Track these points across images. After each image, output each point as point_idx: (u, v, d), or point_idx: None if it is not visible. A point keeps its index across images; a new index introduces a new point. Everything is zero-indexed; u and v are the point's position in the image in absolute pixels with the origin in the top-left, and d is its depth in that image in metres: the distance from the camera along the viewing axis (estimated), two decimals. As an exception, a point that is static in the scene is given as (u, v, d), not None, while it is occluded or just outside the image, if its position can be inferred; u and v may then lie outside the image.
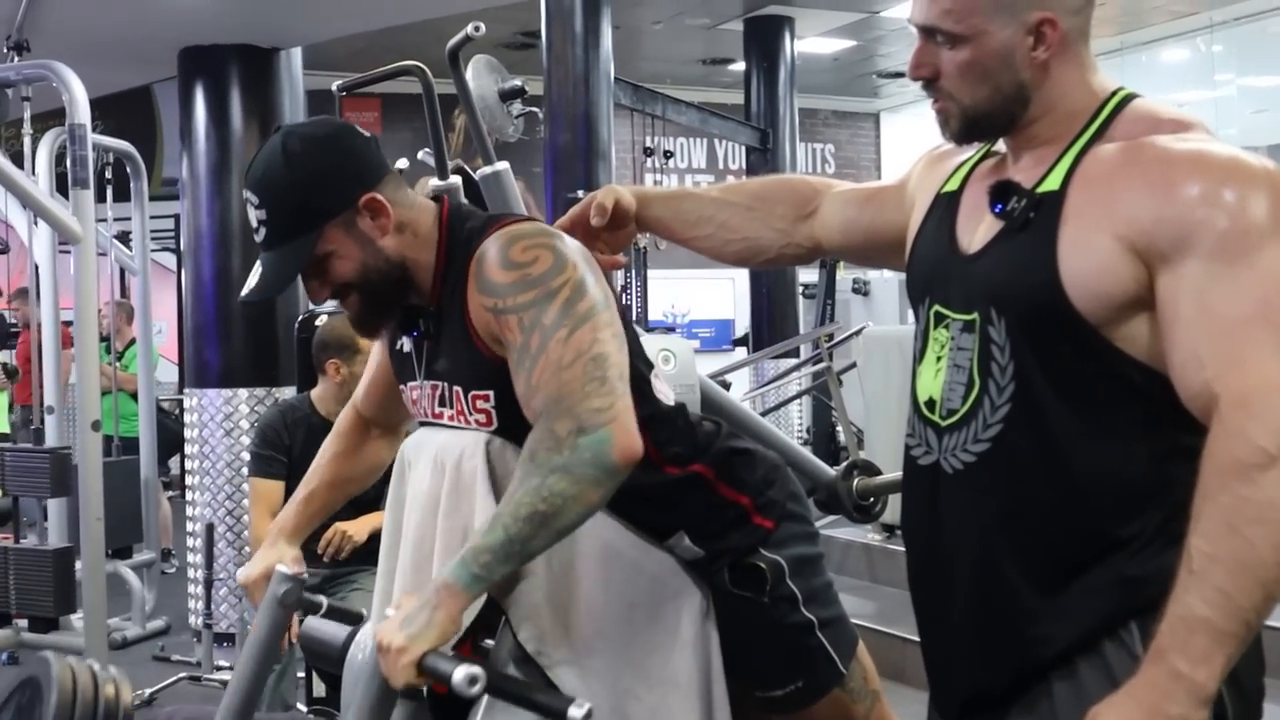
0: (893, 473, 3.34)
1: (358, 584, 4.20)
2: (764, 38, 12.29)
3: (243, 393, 5.93)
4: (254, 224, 1.96)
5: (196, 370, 6.06)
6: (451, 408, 2.01)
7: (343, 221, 1.94)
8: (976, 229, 1.70)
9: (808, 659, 2.10)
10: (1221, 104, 12.24)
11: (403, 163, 4.73)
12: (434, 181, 3.41)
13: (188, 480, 6.15)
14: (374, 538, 3.87)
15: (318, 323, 4.78)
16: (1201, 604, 1.42)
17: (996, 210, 1.65)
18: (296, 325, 5.19)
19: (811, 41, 13.09)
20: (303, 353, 5.53)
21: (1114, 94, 1.66)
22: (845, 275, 12.88)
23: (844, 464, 3.37)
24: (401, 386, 2.16)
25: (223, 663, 5.42)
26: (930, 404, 1.72)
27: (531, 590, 1.93)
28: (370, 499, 3.93)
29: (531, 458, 1.76)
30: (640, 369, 2.03)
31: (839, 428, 9.93)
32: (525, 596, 1.93)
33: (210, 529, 5.50)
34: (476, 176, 3.18)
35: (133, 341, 7.74)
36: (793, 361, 8.94)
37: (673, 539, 2.05)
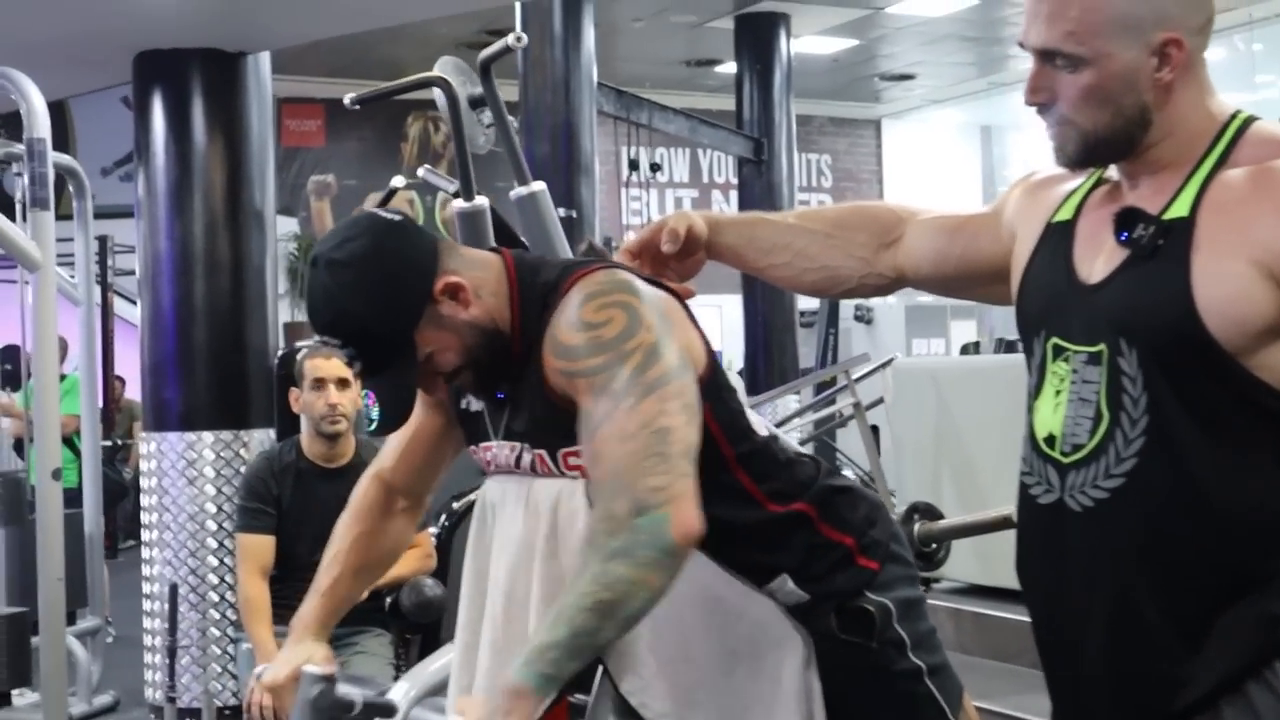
0: (957, 517, 3.49)
1: (359, 646, 4.29)
2: (757, 37, 12.45)
3: (207, 436, 5.92)
4: (345, 360, 2.09)
5: (155, 411, 6.06)
6: (536, 470, 2.12)
7: (429, 318, 2.04)
8: (1096, 258, 1.81)
9: (916, 708, 2.19)
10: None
11: (398, 180, 4.88)
12: (458, 203, 3.54)
13: (144, 535, 6.14)
14: (373, 595, 3.97)
15: (299, 357, 4.90)
16: None
17: (1122, 238, 1.76)
18: (276, 362, 5.29)
19: (808, 41, 13.33)
20: (281, 392, 5.64)
21: (1234, 116, 1.78)
22: (847, 301, 13.06)
23: (905, 507, 3.51)
24: (472, 447, 2.27)
25: (187, 743, 5.49)
26: (1050, 440, 1.82)
27: (634, 639, 2.02)
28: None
29: (591, 542, 1.86)
30: (733, 405, 2.17)
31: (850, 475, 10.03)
32: (627, 646, 2.02)
33: (174, 590, 5.55)
34: (511, 197, 3.31)
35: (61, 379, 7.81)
36: (793, 400, 9.03)
37: (774, 583, 2.16)
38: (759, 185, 12.35)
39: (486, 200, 3.46)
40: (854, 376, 6.04)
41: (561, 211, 4.41)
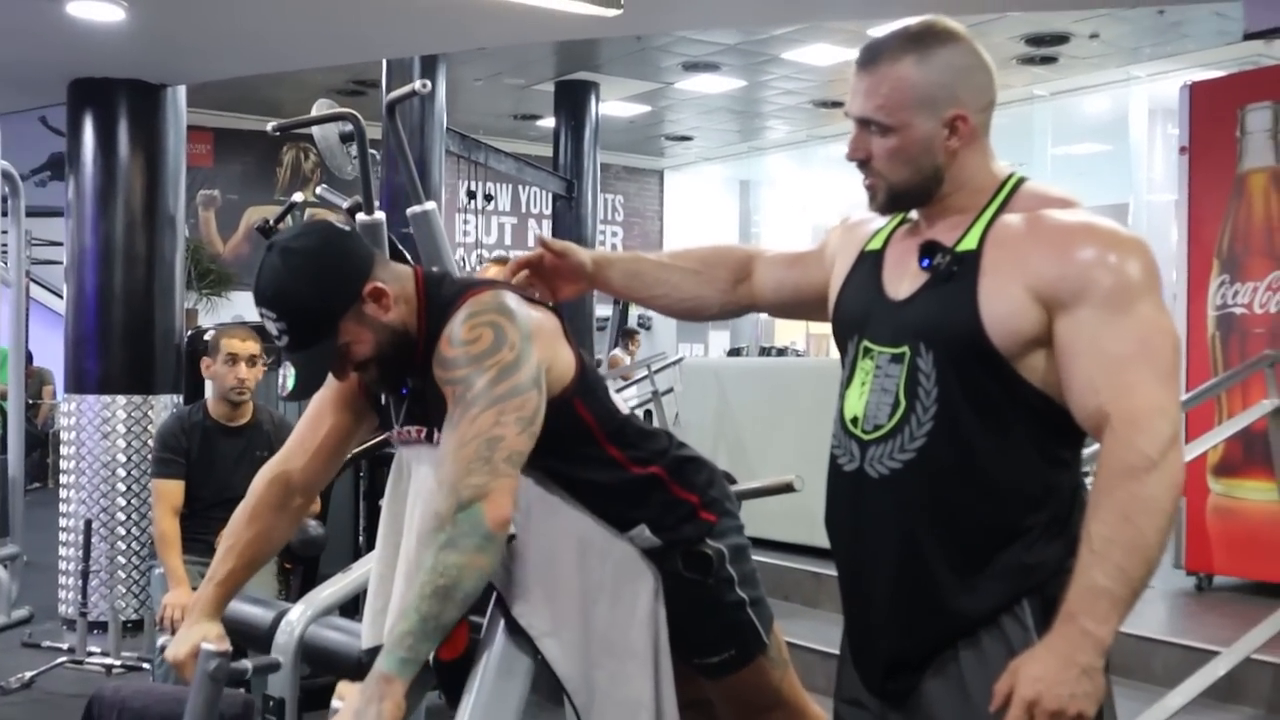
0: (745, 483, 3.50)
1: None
2: (573, 100, 12.51)
3: (120, 399, 5.78)
4: (274, 333, 2.00)
5: (76, 377, 5.88)
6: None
7: (354, 313, 2.00)
8: (902, 280, 1.84)
9: (739, 631, 2.23)
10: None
11: (298, 196, 4.73)
12: (360, 216, 3.46)
13: (62, 479, 5.97)
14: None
15: (206, 337, 4.76)
16: (1103, 577, 1.62)
17: (925, 265, 1.79)
18: (186, 339, 5.11)
19: (612, 105, 13.36)
20: (190, 365, 5.44)
21: (1010, 176, 1.84)
22: (633, 310, 13.11)
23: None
24: (389, 432, 2.21)
25: (94, 649, 5.26)
26: (855, 420, 1.85)
27: (524, 575, 2.04)
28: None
29: (422, 540, 1.87)
30: (601, 396, 2.17)
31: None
32: (518, 578, 2.03)
33: (89, 525, 5.37)
34: (408, 213, 3.24)
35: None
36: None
37: (634, 531, 2.16)
38: (569, 217, 12.38)
39: (383, 215, 3.39)
40: (654, 369, 6.06)
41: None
